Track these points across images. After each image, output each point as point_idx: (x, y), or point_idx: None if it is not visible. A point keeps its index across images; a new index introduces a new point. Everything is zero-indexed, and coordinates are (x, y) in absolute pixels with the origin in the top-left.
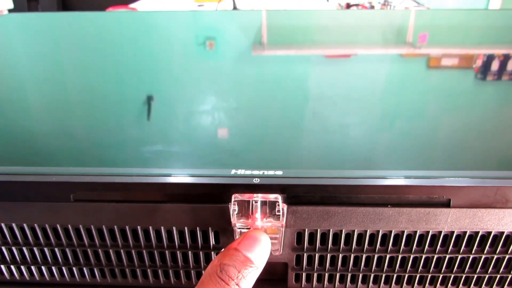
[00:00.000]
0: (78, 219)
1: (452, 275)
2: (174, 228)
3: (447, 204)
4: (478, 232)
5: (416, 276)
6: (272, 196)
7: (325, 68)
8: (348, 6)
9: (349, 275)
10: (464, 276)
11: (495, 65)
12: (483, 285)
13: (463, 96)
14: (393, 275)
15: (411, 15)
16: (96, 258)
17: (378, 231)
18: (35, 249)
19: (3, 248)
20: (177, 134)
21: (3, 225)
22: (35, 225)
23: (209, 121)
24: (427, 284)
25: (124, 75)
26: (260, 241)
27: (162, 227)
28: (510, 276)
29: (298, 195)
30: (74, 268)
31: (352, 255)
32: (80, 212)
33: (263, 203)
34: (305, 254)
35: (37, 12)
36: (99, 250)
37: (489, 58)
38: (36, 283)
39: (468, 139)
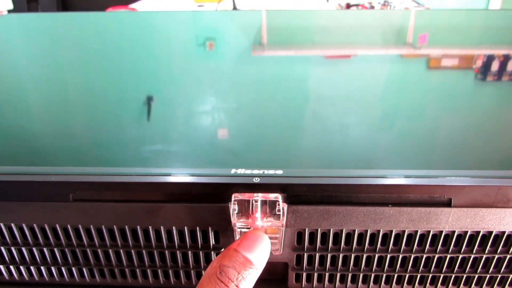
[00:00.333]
0: (77, 219)
1: (453, 275)
2: (173, 228)
3: (448, 204)
4: (479, 231)
5: (417, 276)
6: (272, 196)
7: (325, 68)
8: (348, 6)
9: (350, 275)
10: (465, 276)
11: (495, 66)
12: (484, 285)
13: (463, 96)
14: (394, 275)
15: (411, 15)
16: (95, 258)
17: (379, 231)
18: (34, 249)
19: (2, 249)
20: (177, 134)
21: (2, 225)
22: (34, 225)
23: (209, 122)
24: (428, 284)
25: (124, 75)
26: (260, 241)
27: (161, 227)
28: (511, 276)
29: (298, 194)
30: (73, 268)
31: (352, 255)
32: (79, 212)
33: (263, 202)
34: (305, 254)
35: (37, 12)
36: (99, 250)
37: (489, 59)
38: (35, 284)
39: (468, 139)
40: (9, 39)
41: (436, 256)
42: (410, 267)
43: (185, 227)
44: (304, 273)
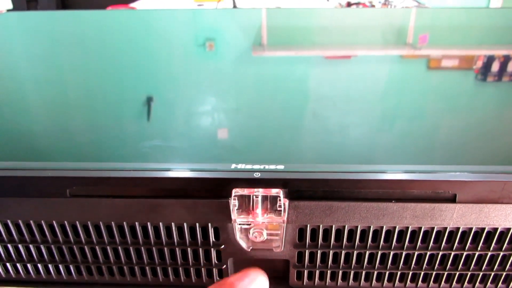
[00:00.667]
0: (75, 215)
1: (457, 273)
2: (173, 224)
3: (452, 199)
4: (484, 228)
5: (420, 273)
6: (273, 191)
7: (325, 69)
8: (349, 4)
9: (352, 272)
10: (469, 273)
11: (495, 66)
12: (489, 283)
13: (463, 97)
14: (396, 272)
15: (411, 14)
16: (93, 256)
17: (382, 227)
18: (31, 246)
19: None
20: (177, 134)
21: None
22: (31, 221)
23: (209, 122)
24: (431, 282)
25: (123, 74)
26: (257, 282)
27: (160, 223)
28: None
29: (300, 189)
30: (71, 266)
31: (355, 252)
32: (77, 208)
33: (264, 198)
34: (307, 251)
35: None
36: (96, 247)
37: (490, 59)
38: (33, 281)
39: (469, 140)
40: (8, 38)
41: (440, 253)
42: (413, 264)
43: (185, 224)
44: (305, 271)
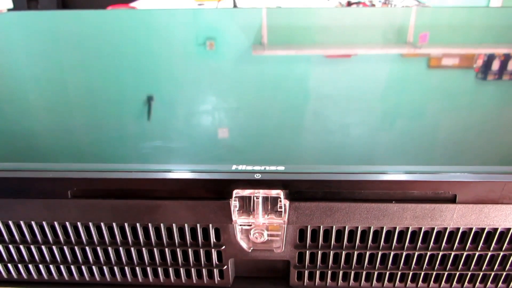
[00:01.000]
0: (76, 216)
1: (458, 273)
2: (174, 225)
3: (453, 200)
4: (484, 228)
5: (420, 274)
6: (274, 192)
7: (326, 68)
8: (349, 4)
9: (353, 273)
10: (469, 273)
11: (495, 65)
12: (489, 283)
13: (464, 95)
14: (397, 273)
15: (411, 13)
16: (94, 256)
17: (382, 228)
18: (32, 247)
19: (0, 247)
20: (178, 133)
21: None
22: (32, 222)
23: (210, 120)
24: (431, 282)
25: (123, 74)
26: None
27: (162, 224)
28: None
29: (300, 190)
30: (72, 267)
31: (355, 252)
32: (78, 209)
33: (265, 199)
34: (307, 251)
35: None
36: (98, 248)
37: (490, 58)
38: (35, 282)
39: (470, 138)
40: (9, 37)
41: (440, 253)
42: (413, 264)
43: (186, 224)
44: (306, 271)
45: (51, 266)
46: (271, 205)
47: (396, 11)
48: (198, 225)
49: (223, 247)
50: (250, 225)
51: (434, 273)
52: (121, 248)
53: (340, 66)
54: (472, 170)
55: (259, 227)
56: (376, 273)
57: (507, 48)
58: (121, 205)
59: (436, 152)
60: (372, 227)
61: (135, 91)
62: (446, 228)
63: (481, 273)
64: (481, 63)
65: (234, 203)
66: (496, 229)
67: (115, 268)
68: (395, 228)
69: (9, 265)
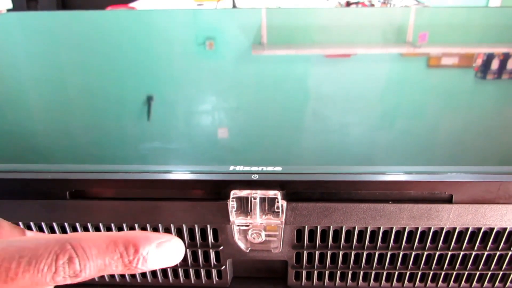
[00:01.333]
0: (75, 217)
1: (454, 272)
2: (172, 225)
3: (449, 200)
4: (481, 228)
5: (417, 273)
6: (271, 193)
7: (325, 67)
8: (348, 4)
9: (350, 272)
10: (466, 273)
11: (495, 64)
12: (486, 282)
13: (463, 95)
14: (394, 273)
15: (411, 13)
16: None
17: (379, 228)
18: None
19: None
20: (177, 133)
21: None
22: (31, 223)
23: (209, 120)
24: (428, 282)
25: (123, 74)
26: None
27: (160, 225)
28: None
29: (297, 191)
30: None
31: (352, 252)
32: (77, 210)
33: (262, 199)
34: (305, 251)
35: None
36: None
37: (489, 57)
38: None
39: (469, 137)
40: (8, 38)
41: (437, 253)
42: (411, 264)
43: (184, 225)
44: (304, 271)
45: None
46: (268, 205)
47: (395, 10)
48: (196, 225)
49: (221, 247)
50: (248, 226)
51: (431, 272)
52: None
53: (339, 66)
54: (468, 170)
55: (257, 228)
56: (373, 273)
57: (506, 47)
58: (119, 206)
59: (435, 151)
60: (369, 227)
61: (135, 91)
62: (442, 228)
63: (478, 273)
64: (481, 63)
65: (232, 204)
66: (492, 229)
67: None
68: (392, 228)
69: None
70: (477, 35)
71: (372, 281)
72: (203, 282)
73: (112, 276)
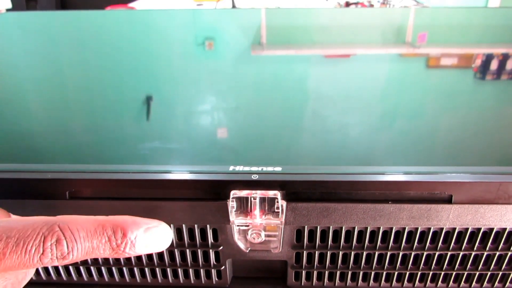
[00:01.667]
0: None
1: (454, 272)
2: (171, 225)
3: (448, 200)
4: (480, 228)
5: (417, 273)
6: (271, 193)
7: (324, 68)
8: (347, 4)
9: (350, 273)
10: (466, 273)
11: (494, 65)
12: (485, 283)
13: (462, 95)
14: (394, 273)
15: (410, 14)
16: None
17: (379, 228)
18: None
19: None
20: (176, 133)
21: None
22: None
23: (208, 121)
24: (428, 282)
25: (122, 74)
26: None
27: None
28: None
29: (297, 191)
30: (70, 267)
31: (352, 252)
32: (76, 210)
33: (262, 199)
34: (305, 251)
35: (35, 11)
36: None
37: (488, 58)
38: (33, 283)
39: (468, 138)
40: (7, 38)
41: (437, 253)
42: (410, 264)
43: (183, 225)
44: (303, 271)
45: (49, 266)
46: (268, 205)
47: (394, 11)
48: (195, 225)
49: (221, 247)
50: (248, 226)
51: (431, 272)
52: None
53: (339, 66)
54: (468, 171)
55: (257, 228)
56: (373, 273)
57: (506, 48)
58: (119, 206)
59: (434, 152)
60: (368, 228)
61: (134, 91)
62: (442, 228)
63: (477, 273)
64: (480, 63)
65: (232, 204)
66: (492, 229)
67: (113, 268)
68: (391, 228)
69: None
70: (476, 35)
71: (371, 281)
72: (203, 282)
73: (112, 275)
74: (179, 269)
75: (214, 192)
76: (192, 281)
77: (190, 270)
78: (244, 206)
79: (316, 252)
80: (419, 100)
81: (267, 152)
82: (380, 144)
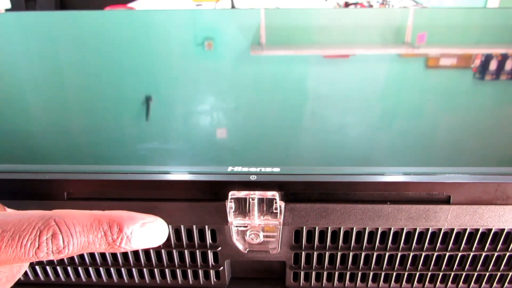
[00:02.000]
0: None
1: (452, 273)
2: (170, 226)
3: (447, 201)
4: (479, 229)
5: (415, 274)
6: (269, 194)
7: (323, 68)
8: (347, 5)
9: (348, 273)
10: (464, 274)
11: (493, 65)
12: (483, 283)
13: (461, 95)
14: (392, 273)
15: (409, 14)
16: (91, 258)
17: (377, 229)
18: None
19: None
20: (175, 133)
21: None
22: None
23: (207, 121)
24: (426, 283)
25: (121, 74)
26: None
27: None
28: (510, 274)
29: (296, 192)
30: (69, 268)
31: (351, 253)
32: None
33: (261, 200)
34: (303, 252)
35: (35, 11)
36: None
37: (487, 58)
38: (31, 284)
39: (467, 138)
40: (6, 38)
41: (435, 254)
42: (408, 265)
43: (182, 226)
44: (302, 272)
45: (47, 267)
46: (266, 206)
47: (394, 11)
48: (194, 226)
49: (219, 248)
50: (246, 227)
51: (429, 273)
52: None
53: (338, 67)
54: (466, 171)
55: (255, 228)
56: (371, 273)
57: (505, 48)
58: (117, 206)
59: (433, 152)
60: (367, 228)
61: (134, 91)
62: (440, 229)
63: (475, 274)
64: (479, 63)
65: (230, 205)
66: (490, 230)
67: (112, 269)
68: (390, 229)
69: None
70: (475, 36)
71: (370, 282)
72: (201, 282)
73: (110, 276)
74: (177, 270)
75: (212, 192)
76: (191, 282)
77: (189, 270)
78: (242, 206)
79: (315, 252)
80: (418, 100)
81: (266, 152)
82: (379, 145)
